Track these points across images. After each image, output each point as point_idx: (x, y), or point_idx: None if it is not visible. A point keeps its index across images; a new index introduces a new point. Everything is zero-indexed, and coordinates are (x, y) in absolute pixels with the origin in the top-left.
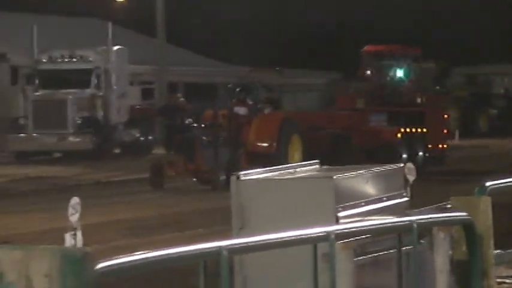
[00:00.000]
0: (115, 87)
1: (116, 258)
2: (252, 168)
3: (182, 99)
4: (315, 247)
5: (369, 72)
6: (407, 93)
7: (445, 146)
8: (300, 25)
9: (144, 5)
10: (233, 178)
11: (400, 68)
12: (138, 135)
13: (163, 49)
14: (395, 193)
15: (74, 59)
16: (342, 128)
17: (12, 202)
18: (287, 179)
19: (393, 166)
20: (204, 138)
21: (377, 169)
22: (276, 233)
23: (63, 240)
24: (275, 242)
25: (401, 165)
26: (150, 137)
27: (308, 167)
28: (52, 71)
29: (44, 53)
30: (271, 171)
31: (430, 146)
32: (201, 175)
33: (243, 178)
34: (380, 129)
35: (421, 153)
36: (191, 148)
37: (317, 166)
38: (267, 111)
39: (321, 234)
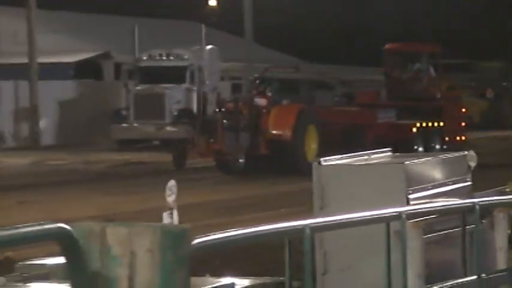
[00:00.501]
0: (207, 82)
1: (210, 235)
2: (270, 154)
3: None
4: (388, 225)
5: (389, 68)
6: (426, 88)
7: (463, 138)
8: (374, 26)
9: (234, 9)
10: (315, 164)
11: (419, 64)
12: None
13: (251, 48)
14: (459, 178)
15: (171, 57)
16: (352, 122)
17: (114, 184)
18: (363, 164)
19: (457, 154)
20: (225, 121)
21: (443, 156)
22: (352, 213)
23: (160, 219)
24: (352, 220)
25: (465, 152)
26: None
27: (381, 154)
28: (151, 68)
29: (144, 51)
30: (348, 157)
31: (447, 138)
32: (221, 157)
33: (323, 164)
34: (395, 123)
35: (437, 146)
36: (213, 130)
37: (389, 153)
38: (284, 102)
39: (393, 214)
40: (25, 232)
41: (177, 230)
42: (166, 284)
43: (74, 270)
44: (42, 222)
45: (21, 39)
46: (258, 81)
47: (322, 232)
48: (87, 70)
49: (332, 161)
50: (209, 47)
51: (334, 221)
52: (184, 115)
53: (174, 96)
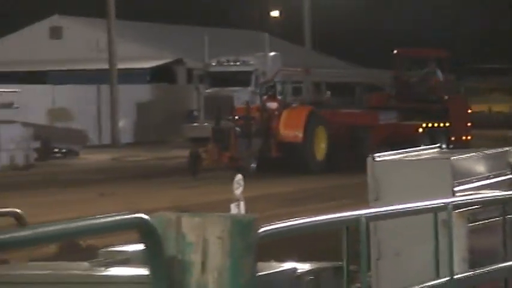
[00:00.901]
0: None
1: (275, 224)
2: (281, 157)
3: (328, 95)
4: (436, 215)
5: (398, 72)
6: (433, 91)
7: (468, 137)
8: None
9: (294, 19)
10: (369, 159)
11: (426, 68)
12: None
13: (310, 55)
14: (500, 172)
15: (238, 63)
16: (356, 124)
17: (186, 178)
18: (413, 159)
19: (499, 150)
20: (237, 129)
21: (486, 152)
22: (403, 204)
23: (228, 210)
24: (403, 211)
25: (506, 149)
26: None
27: (430, 150)
28: (219, 73)
29: (214, 58)
30: (399, 153)
31: (453, 138)
32: (234, 163)
33: (377, 160)
34: (402, 124)
35: (444, 146)
36: (226, 138)
37: (437, 149)
38: (294, 105)
39: (440, 204)
40: (108, 222)
41: (245, 219)
42: (234, 268)
43: (152, 256)
44: (123, 213)
45: (102, 47)
46: (268, 86)
47: (376, 221)
48: (161, 75)
49: (385, 156)
50: (272, 53)
51: (387, 211)
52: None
53: (240, 98)
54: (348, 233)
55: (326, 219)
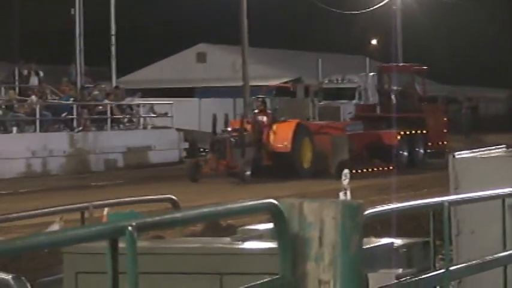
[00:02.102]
0: (371, 99)
1: (377, 208)
2: (272, 166)
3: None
4: (504, 201)
5: (381, 86)
6: (412, 102)
7: (444, 142)
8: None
9: (390, 45)
10: (450, 156)
11: (407, 82)
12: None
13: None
14: None
15: (345, 81)
16: (330, 133)
17: (305, 174)
18: (485, 156)
19: None
20: (232, 140)
21: None
22: (477, 192)
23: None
24: (478, 197)
25: None
26: None
27: (498, 149)
28: (330, 89)
29: (326, 77)
30: (473, 152)
31: (430, 143)
32: (230, 170)
33: (456, 157)
34: (383, 133)
35: (421, 150)
36: (223, 148)
37: (504, 148)
38: (283, 119)
39: (507, 192)
40: (246, 206)
41: (354, 204)
42: (345, 243)
43: (280, 233)
44: (257, 199)
45: (237, 68)
46: (259, 101)
47: (455, 206)
48: (284, 91)
49: (462, 155)
50: (371, 73)
51: (464, 197)
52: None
53: (347, 109)
54: (434, 214)
55: (416, 204)
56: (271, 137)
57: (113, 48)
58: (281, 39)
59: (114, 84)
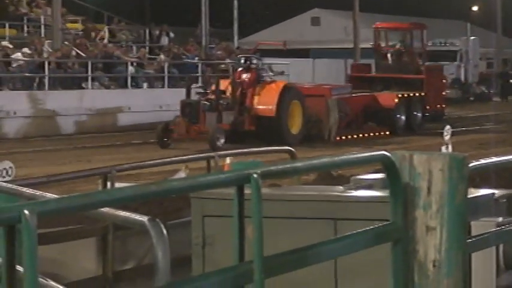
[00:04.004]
0: (471, 61)
1: (480, 160)
2: (256, 131)
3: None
4: None
5: (377, 45)
6: (410, 62)
7: (443, 106)
8: None
9: (490, 12)
10: None
11: (404, 41)
12: (484, 89)
13: (499, 39)
14: None
15: (447, 44)
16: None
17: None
18: None
19: None
20: (205, 103)
21: None
22: None
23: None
24: None
25: None
26: (491, 91)
27: None
28: (434, 51)
29: (430, 40)
30: None
31: (428, 107)
32: (202, 137)
33: None
34: (379, 95)
35: (419, 114)
36: (194, 112)
37: None
38: (269, 80)
39: None
40: (360, 157)
41: (459, 156)
42: (451, 192)
43: (392, 182)
44: (371, 151)
45: (349, 32)
46: (243, 59)
47: None
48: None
49: None
50: (472, 37)
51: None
52: (456, 82)
53: (449, 70)
54: None
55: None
56: (255, 99)
57: (235, 12)
58: (389, 6)
59: (236, 44)
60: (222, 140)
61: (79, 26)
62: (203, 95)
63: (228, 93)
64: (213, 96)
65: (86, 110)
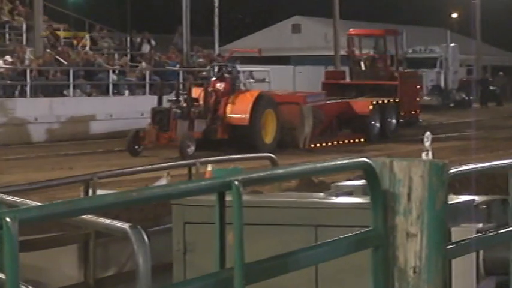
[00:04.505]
0: (451, 68)
1: (459, 167)
2: (229, 140)
3: (501, 74)
4: None
5: (351, 51)
6: (383, 69)
7: (418, 112)
8: None
9: (469, 19)
10: None
11: (377, 48)
12: (464, 96)
13: (479, 46)
14: None
15: (427, 51)
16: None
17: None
18: None
19: None
20: (177, 110)
21: None
22: None
23: (420, 156)
24: None
25: None
26: (471, 97)
27: None
28: (414, 58)
29: (410, 47)
30: None
31: (402, 113)
32: (173, 144)
33: None
34: (353, 102)
35: (394, 120)
36: (165, 119)
37: None
38: (243, 89)
39: None
40: (341, 164)
41: (439, 163)
42: (431, 199)
43: (372, 188)
44: (351, 157)
45: (329, 39)
46: (217, 68)
47: None
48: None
49: None
50: (452, 44)
51: None
52: (436, 89)
53: (429, 76)
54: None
55: (495, 164)
56: (229, 108)
57: (216, 19)
58: (368, 13)
59: (217, 51)
60: (193, 148)
61: (61, 33)
62: (175, 103)
63: (200, 101)
64: (185, 104)
65: (67, 117)
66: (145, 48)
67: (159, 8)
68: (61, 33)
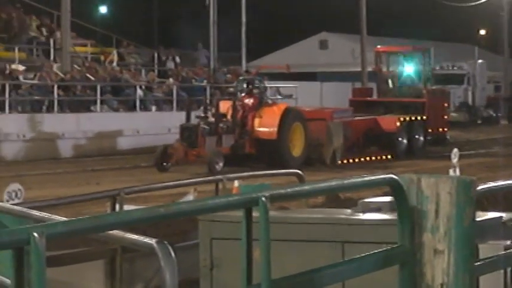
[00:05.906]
0: (478, 84)
1: (487, 184)
2: (257, 154)
3: None
4: None
5: (378, 68)
6: (412, 86)
7: (445, 129)
8: None
9: (497, 36)
10: None
11: (407, 65)
12: (492, 112)
13: (507, 61)
14: None
15: (455, 68)
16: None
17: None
18: None
19: None
20: (205, 127)
21: None
22: None
23: (447, 173)
24: None
25: None
26: (499, 114)
27: None
28: (442, 74)
29: (438, 63)
30: None
31: (430, 130)
32: (202, 160)
33: None
34: (380, 119)
35: (421, 138)
36: (194, 135)
37: None
38: (270, 102)
39: None
40: (369, 180)
41: (467, 180)
42: (459, 215)
43: (400, 205)
44: (378, 174)
45: (356, 55)
46: (245, 83)
47: None
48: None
49: None
50: (479, 61)
51: None
52: (463, 106)
53: (456, 93)
54: None
55: None
56: (256, 122)
57: (243, 36)
58: (397, 30)
59: (244, 68)
60: (221, 164)
61: (88, 49)
62: (203, 119)
63: (228, 116)
64: (212, 120)
65: (94, 133)
66: (170, 65)
67: (186, 24)
68: (88, 49)
